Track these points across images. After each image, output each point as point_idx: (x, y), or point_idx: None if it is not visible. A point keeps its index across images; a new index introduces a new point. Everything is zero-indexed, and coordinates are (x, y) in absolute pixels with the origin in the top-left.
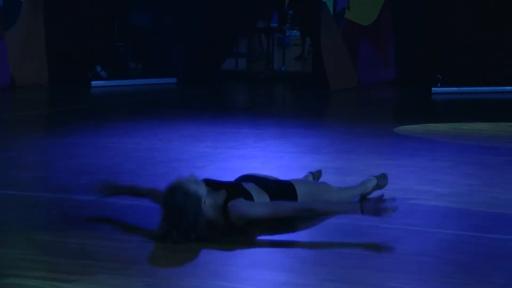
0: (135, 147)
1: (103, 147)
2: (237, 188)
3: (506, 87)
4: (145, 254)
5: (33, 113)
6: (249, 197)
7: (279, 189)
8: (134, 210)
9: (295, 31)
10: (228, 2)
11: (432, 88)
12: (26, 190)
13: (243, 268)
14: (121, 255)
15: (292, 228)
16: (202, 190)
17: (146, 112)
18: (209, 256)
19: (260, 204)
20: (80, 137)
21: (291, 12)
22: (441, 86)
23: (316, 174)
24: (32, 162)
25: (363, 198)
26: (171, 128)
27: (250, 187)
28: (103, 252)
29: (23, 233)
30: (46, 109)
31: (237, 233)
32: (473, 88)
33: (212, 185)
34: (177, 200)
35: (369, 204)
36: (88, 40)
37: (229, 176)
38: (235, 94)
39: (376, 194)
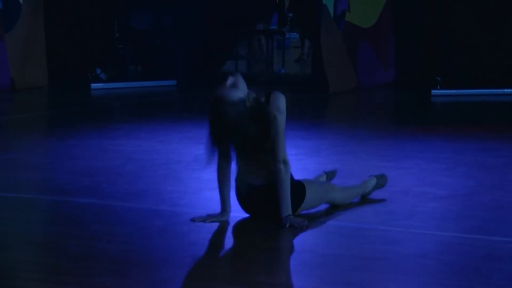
0: (135, 149)
1: (104, 149)
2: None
3: (506, 90)
4: (145, 256)
5: (33, 115)
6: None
7: (292, 186)
8: (134, 212)
9: (295, 33)
10: (228, 4)
11: (432, 90)
12: (26, 192)
13: (240, 270)
14: (121, 257)
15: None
16: (243, 88)
17: (146, 114)
18: (208, 258)
19: (284, 122)
20: (80, 139)
21: (290, 14)
22: (440, 89)
23: (330, 174)
24: (32, 164)
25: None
26: (171, 130)
27: None
28: (104, 255)
29: (23, 235)
30: (46, 111)
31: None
32: (472, 90)
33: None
34: (225, 114)
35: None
36: (88, 42)
37: (231, 178)
38: None
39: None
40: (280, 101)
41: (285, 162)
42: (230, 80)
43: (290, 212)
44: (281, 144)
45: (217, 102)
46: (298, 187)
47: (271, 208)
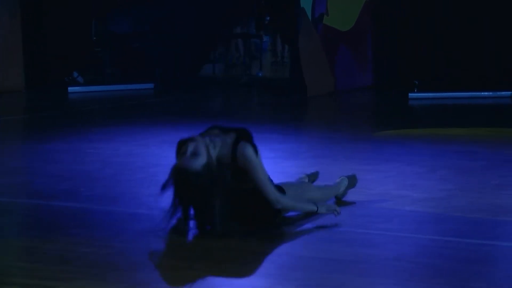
0: (113, 153)
1: (82, 153)
2: (246, 132)
3: (482, 93)
4: (123, 260)
5: (10, 119)
6: (254, 148)
7: None
8: (113, 216)
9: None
10: (206, 8)
11: (410, 94)
12: (4, 196)
13: (221, 274)
14: (100, 261)
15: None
16: (204, 152)
17: (124, 117)
18: (188, 262)
19: (260, 166)
20: (58, 143)
21: (268, 18)
22: (418, 92)
23: (312, 176)
24: (10, 168)
25: (338, 199)
26: (149, 134)
27: None
28: (82, 258)
29: (1, 239)
30: (23, 115)
31: (241, 177)
32: (450, 93)
33: (221, 129)
34: (190, 184)
35: (323, 205)
36: (66, 46)
37: None
38: (213, 100)
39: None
40: (247, 154)
41: (279, 201)
42: (190, 149)
43: (315, 207)
44: (267, 189)
45: (180, 173)
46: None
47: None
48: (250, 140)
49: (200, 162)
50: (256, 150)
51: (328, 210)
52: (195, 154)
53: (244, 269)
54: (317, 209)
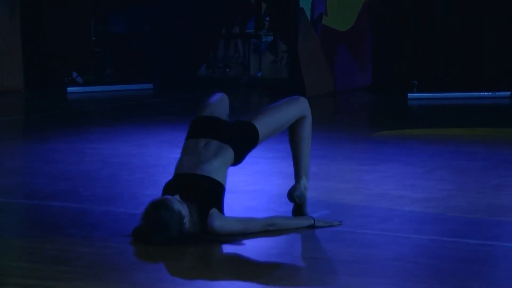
0: (112, 153)
1: (80, 153)
2: (207, 200)
3: (481, 93)
4: (122, 260)
5: (9, 119)
6: (219, 203)
7: (240, 135)
8: (111, 216)
9: (271, 37)
10: (206, 8)
11: (408, 94)
12: (3, 196)
13: (220, 274)
14: (98, 261)
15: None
16: (185, 210)
17: (123, 118)
18: (186, 263)
19: (232, 221)
20: (57, 143)
21: (267, 18)
22: (417, 92)
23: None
24: (9, 168)
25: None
26: (148, 134)
27: (216, 153)
28: (80, 259)
29: (1, 240)
30: (22, 115)
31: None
32: (449, 94)
33: (185, 197)
34: (161, 216)
35: (320, 220)
36: (65, 46)
37: None
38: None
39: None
40: (216, 228)
41: (270, 225)
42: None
43: (312, 221)
44: (254, 229)
45: (157, 205)
46: (248, 129)
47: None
48: (215, 205)
49: (178, 206)
50: (219, 201)
51: (326, 223)
52: (180, 202)
53: (244, 269)
54: (314, 223)
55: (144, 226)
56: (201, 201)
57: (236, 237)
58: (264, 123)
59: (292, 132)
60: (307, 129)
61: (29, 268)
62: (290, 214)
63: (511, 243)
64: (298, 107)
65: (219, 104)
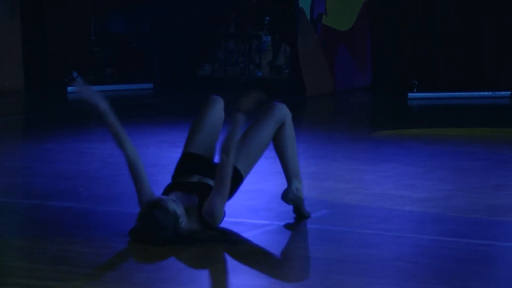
0: (112, 153)
1: (80, 153)
2: (206, 188)
3: (481, 93)
4: (122, 260)
5: (9, 119)
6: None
7: None
8: (111, 216)
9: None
10: (206, 8)
11: (409, 94)
12: (2, 196)
13: (220, 273)
14: (98, 261)
15: None
16: (180, 210)
17: (123, 117)
18: (186, 262)
19: (216, 197)
20: (57, 143)
21: (267, 18)
22: (417, 92)
23: None
24: (8, 168)
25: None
26: (148, 134)
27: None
28: (80, 259)
29: (0, 239)
30: (22, 115)
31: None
32: (449, 93)
33: (184, 188)
34: (155, 217)
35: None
36: (65, 46)
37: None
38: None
39: None
40: (212, 219)
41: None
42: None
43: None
44: (227, 189)
45: (151, 205)
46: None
47: None
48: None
49: (174, 206)
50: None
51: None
52: (175, 202)
53: (243, 269)
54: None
55: (140, 227)
56: (201, 193)
57: (235, 235)
58: (246, 162)
59: (275, 138)
60: (289, 133)
61: (29, 268)
62: (291, 213)
63: (511, 243)
64: (276, 119)
65: (210, 125)
